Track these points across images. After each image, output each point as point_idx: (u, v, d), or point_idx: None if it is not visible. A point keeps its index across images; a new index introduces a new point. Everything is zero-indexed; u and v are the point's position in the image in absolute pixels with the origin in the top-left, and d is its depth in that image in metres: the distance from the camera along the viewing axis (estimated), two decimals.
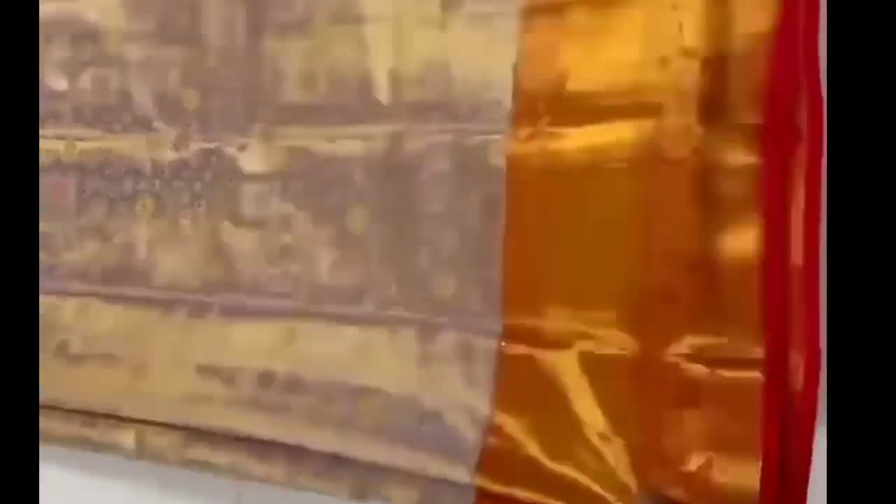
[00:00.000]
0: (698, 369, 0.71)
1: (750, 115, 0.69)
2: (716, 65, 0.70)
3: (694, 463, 0.70)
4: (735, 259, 0.69)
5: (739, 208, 0.69)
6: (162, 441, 0.93)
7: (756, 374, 0.68)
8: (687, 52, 0.71)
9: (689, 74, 0.70)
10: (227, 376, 0.91)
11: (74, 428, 0.97)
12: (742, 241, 0.69)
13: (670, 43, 0.72)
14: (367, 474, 0.84)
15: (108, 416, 0.96)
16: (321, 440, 0.85)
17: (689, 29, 0.71)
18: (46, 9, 1.00)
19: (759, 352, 0.68)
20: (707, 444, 0.70)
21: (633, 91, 0.74)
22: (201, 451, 0.91)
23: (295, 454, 0.87)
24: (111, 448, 0.96)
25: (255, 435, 0.88)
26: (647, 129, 0.73)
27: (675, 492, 0.71)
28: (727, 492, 0.68)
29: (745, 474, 0.67)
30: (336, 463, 0.85)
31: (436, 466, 0.80)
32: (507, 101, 0.79)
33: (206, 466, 0.91)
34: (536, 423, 0.78)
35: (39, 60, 1.00)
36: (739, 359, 0.69)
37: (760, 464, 0.65)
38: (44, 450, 0.89)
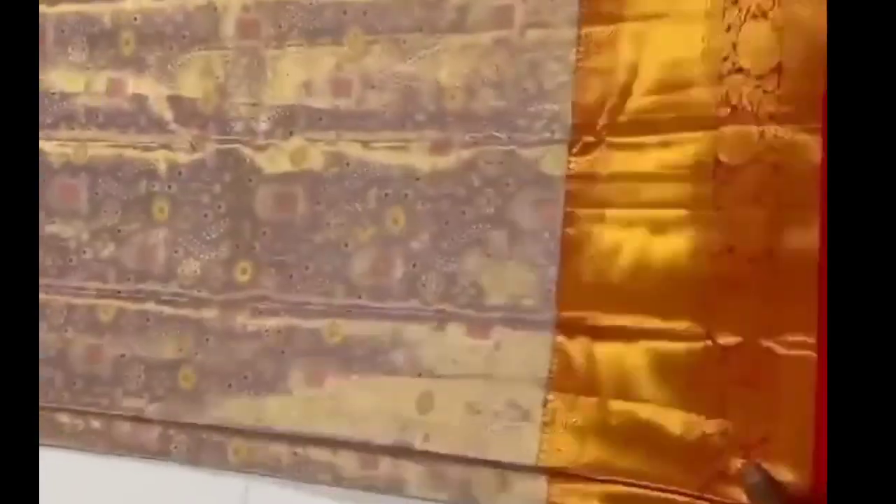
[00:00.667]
0: (764, 353, 0.74)
1: (808, 119, 0.73)
2: (770, 77, 0.74)
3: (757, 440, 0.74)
4: (797, 251, 0.73)
5: (799, 206, 0.73)
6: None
7: (812, 354, 0.71)
8: (741, 70, 0.75)
9: (745, 89, 0.75)
10: None
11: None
12: (803, 237, 0.72)
13: (724, 61, 0.76)
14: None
15: None
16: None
17: (743, 47, 0.75)
18: (64, 9, 1.00)
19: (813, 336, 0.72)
20: (768, 420, 0.73)
21: (691, 106, 0.78)
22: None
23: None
24: None
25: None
26: (706, 141, 0.77)
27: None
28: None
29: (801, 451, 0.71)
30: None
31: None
32: (567, 112, 0.82)
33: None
34: (599, 413, 0.81)
35: (55, 62, 1.00)
36: (798, 342, 0.72)
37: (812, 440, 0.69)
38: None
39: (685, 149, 0.78)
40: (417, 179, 0.87)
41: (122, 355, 0.98)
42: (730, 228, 0.76)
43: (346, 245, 0.90)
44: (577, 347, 0.82)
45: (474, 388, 0.84)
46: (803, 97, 0.72)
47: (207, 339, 0.94)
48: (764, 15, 0.75)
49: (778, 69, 0.74)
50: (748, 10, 0.76)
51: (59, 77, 1.00)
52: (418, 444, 0.86)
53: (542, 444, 0.82)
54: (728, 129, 0.76)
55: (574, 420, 0.81)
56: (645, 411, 0.78)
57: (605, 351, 0.81)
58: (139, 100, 0.98)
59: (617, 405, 0.80)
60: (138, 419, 0.97)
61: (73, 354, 1.00)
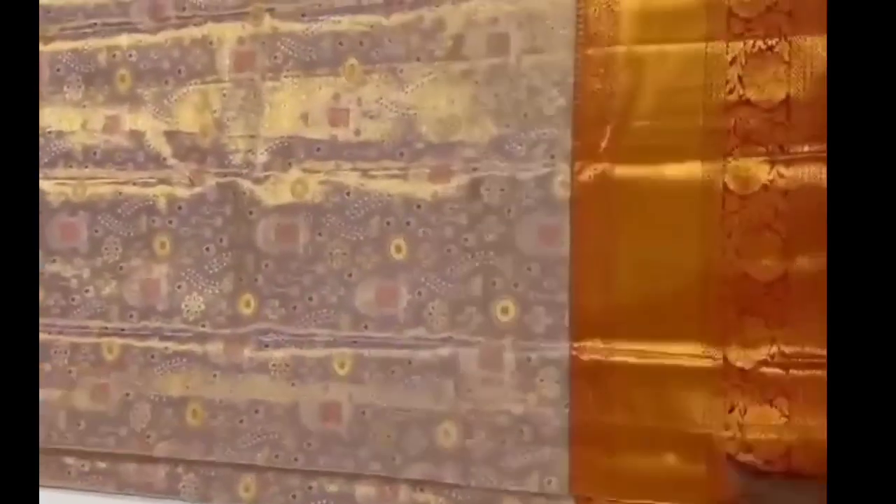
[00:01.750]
0: (775, 372, 0.76)
1: (813, 148, 0.75)
2: (779, 109, 0.76)
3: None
4: (805, 274, 0.75)
5: (805, 230, 0.75)
6: None
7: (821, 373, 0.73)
8: (749, 102, 0.77)
9: (753, 121, 0.77)
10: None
11: None
12: (810, 261, 0.74)
13: (730, 93, 0.78)
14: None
15: None
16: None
17: (749, 80, 0.77)
18: (58, 47, 1.00)
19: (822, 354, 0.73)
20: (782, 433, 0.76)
21: (696, 133, 0.79)
22: None
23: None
24: None
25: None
26: (714, 170, 0.78)
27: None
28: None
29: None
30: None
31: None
32: (566, 136, 0.83)
33: None
34: (617, 432, 0.81)
35: (50, 101, 0.99)
36: (808, 362, 0.75)
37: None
38: None
39: (691, 175, 0.79)
40: (418, 207, 0.87)
41: (128, 394, 0.97)
42: (741, 255, 0.77)
43: (350, 275, 0.90)
44: (590, 375, 0.82)
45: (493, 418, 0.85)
46: (813, 127, 0.74)
47: (215, 375, 0.94)
48: (770, 49, 0.77)
49: (786, 101, 0.76)
50: (753, 44, 0.77)
51: (54, 116, 1.00)
52: (441, 476, 0.86)
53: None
54: (737, 159, 0.77)
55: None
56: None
57: (619, 378, 0.81)
58: (136, 136, 0.97)
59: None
60: (145, 458, 0.96)
61: (77, 394, 0.99)
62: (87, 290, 0.99)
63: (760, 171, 0.77)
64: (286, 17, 0.92)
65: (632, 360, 0.80)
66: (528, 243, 0.84)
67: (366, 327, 0.89)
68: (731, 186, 0.77)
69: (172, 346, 0.95)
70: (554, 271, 0.83)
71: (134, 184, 0.97)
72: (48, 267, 1.00)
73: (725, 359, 0.78)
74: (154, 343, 0.96)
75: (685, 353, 0.79)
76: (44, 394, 0.98)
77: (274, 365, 0.92)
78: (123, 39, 0.97)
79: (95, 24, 0.98)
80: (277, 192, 0.92)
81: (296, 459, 0.90)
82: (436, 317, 0.87)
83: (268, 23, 0.92)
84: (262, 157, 0.93)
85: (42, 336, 0.99)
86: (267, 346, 0.92)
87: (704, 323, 0.78)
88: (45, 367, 0.99)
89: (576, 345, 0.82)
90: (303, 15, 0.91)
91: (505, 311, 0.85)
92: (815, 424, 0.73)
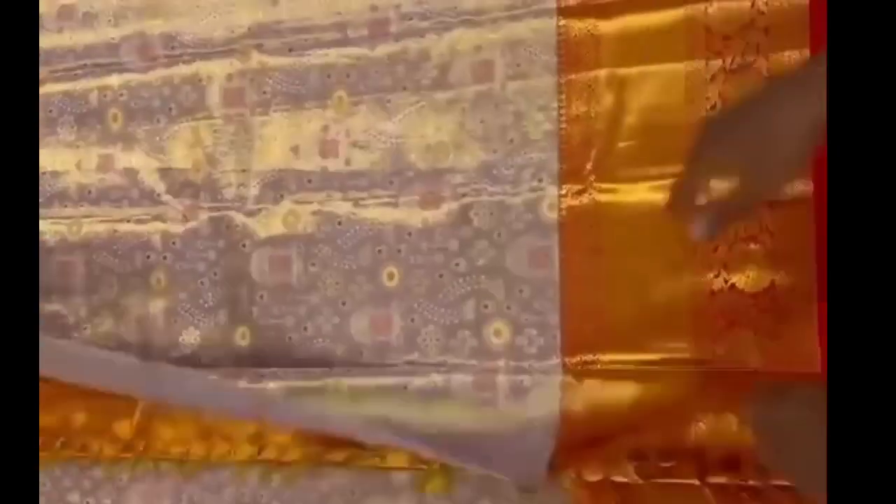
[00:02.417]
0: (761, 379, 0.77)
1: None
2: None
3: None
4: (792, 285, 0.76)
5: (795, 240, 0.76)
6: None
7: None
8: None
9: None
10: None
11: None
12: (801, 271, 0.75)
13: (711, 109, 0.79)
14: None
15: None
16: None
17: (730, 96, 0.79)
18: (50, 90, 1.01)
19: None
20: None
21: (679, 150, 0.78)
22: None
23: None
24: None
25: None
26: None
27: None
28: None
29: None
30: None
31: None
32: (553, 159, 0.84)
33: None
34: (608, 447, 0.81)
35: (45, 142, 1.01)
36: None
37: None
38: None
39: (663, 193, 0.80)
40: (409, 235, 0.88)
41: None
42: (728, 266, 0.78)
43: (344, 304, 0.90)
44: (584, 390, 0.82)
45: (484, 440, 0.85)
46: None
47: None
48: (748, 66, 0.78)
49: None
50: (733, 60, 0.79)
51: (49, 157, 1.02)
52: None
53: None
54: None
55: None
56: None
57: (612, 391, 0.82)
58: (130, 174, 0.99)
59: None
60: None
61: None
62: (84, 328, 1.00)
63: None
64: (274, 52, 0.93)
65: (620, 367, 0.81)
66: (519, 266, 0.85)
67: (361, 354, 0.90)
68: None
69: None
70: (545, 293, 0.84)
71: (129, 221, 0.99)
72: (46, 306, 1.01)
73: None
74: None
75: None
76: None
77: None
78: (114, 79, 0.99)
79: (86, 65, 1.00)
80: (270, 224, 0.93)
81: None
82: (430, 342, 0.87)
83: (255, 58, 0.94)
84: (253, 191, 0.94)
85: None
86: (263, 377, 0.92)
87: (693, 336, 0.79)
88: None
89: (567, 360, 0.83)
90: (290, 49, 0.93)
91: (498, 333, 0.85)
92: None
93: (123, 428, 0.97)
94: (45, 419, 1.00)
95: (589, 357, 0.82)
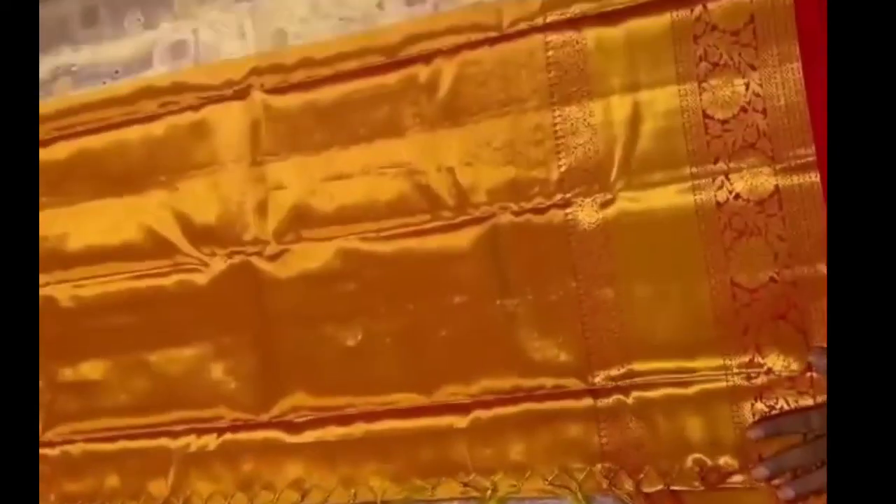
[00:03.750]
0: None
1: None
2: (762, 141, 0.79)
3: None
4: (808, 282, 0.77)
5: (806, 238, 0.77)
6: None
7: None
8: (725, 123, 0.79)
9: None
10: None
11: None
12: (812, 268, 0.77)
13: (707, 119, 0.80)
14: None
15: None
16: None
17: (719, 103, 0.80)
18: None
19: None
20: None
21: (685, 154, 0.81)
22: None
23: None
24: None
25: None
26: (708, 186, 0.80)
27: None
28: None
29: None
30: None
31: None
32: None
33: None
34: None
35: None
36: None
37: None
38: None
39: (684, 198, 0.80)
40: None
41: None
42: (742, 266, 0.78)
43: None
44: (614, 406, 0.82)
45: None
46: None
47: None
48: (739, 70, 0.79)
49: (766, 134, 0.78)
50: (722, 64, 0.79)
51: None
52: None
53: None
54: (733, 175, 0.79)
55: None
56: None
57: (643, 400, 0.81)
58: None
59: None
60: None
61: None
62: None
63: (757, 187, 0.79)
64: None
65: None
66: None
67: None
68: (724, 203, 0.80)
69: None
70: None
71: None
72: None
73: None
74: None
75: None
76: None
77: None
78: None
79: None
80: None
81: None
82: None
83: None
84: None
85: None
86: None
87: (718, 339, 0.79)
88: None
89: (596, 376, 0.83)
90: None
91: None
92: None
93: (159, 487, 0.95)
94: (75, 486, 0.99)
95: (617, 371, 0.82)
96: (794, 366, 0.77)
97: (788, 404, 0.77)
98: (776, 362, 0.77)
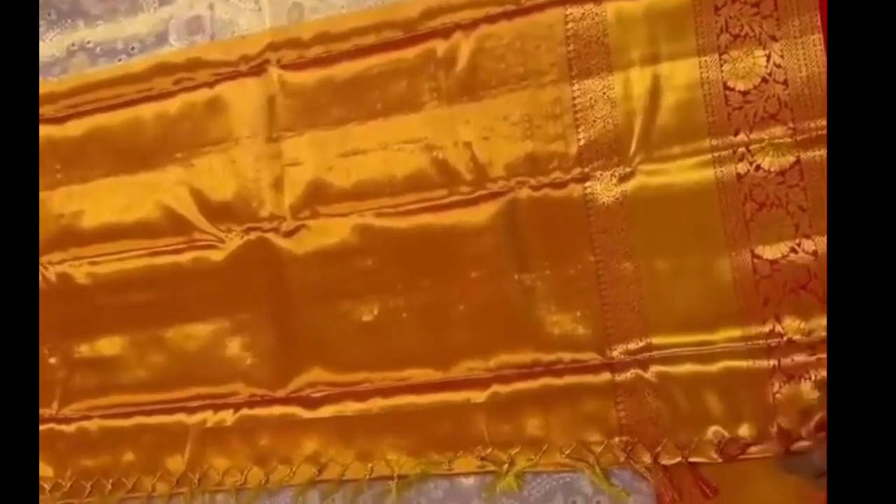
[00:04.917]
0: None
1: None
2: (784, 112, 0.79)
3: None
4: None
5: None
6: None
7: None
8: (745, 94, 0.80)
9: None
10: None
11: None
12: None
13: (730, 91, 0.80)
14: None
15: None
16: None
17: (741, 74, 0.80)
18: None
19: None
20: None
21: (705, 127, 0.81)
22: None
23: None
24: None
25: None
26: (728, 159, 0.80)
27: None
28: None
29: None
30: None
31: None
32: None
33: None
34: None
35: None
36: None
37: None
38: None
39: (704, 171, 0.80)
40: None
41: None
42: (762, 237, 0.78)
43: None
44: (632, 380, 0.82)
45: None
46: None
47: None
48: (760, 41, 0.79)
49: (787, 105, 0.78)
50: (743, 35, 0.79)
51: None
52: None
53: None
54: (754, 146, 0.79)
55: None
56: None
57: (662, 374, 0.81)
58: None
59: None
60: None
61: None
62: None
63: (777, 158, 0.79)
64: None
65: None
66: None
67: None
68: (744, 174, 0.80)
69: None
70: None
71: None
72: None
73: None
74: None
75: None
76: None
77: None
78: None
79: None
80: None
81: None
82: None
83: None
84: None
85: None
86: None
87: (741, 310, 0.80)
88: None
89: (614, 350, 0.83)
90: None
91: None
92: None
93: (175, 462, 0.95)
94: (92, 462, 0.99)
95: (636, 344, 0.82)
96: (815, 334, 0.77)
97: (809, 375, 0.77)
98: (796, 332, 0.77)
